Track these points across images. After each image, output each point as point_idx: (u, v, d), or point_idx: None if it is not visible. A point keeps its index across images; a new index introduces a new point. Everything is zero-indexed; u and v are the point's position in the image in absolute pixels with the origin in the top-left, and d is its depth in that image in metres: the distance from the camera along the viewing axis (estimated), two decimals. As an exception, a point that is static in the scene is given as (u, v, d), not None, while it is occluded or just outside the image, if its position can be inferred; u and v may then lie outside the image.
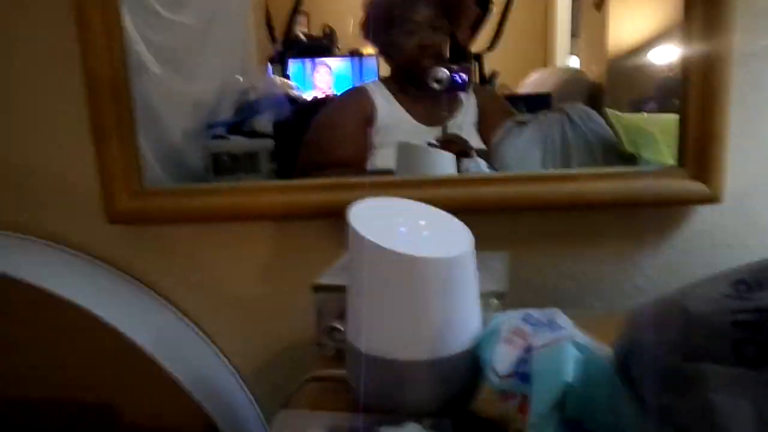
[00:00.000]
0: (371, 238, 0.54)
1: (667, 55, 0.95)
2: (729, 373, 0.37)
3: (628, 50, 1.04)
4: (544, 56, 1.12)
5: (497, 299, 0.67)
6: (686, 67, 0.84)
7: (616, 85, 1.06)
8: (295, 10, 1.14)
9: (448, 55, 1.04)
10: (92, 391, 0.90)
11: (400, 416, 0.56)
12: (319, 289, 0.73)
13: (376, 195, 0.64)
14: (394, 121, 1.03)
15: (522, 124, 1.03)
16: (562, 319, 0.52)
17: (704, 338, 0.38)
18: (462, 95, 1.05)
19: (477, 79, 1.10)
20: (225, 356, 1.01)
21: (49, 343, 0.88)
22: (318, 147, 1.06)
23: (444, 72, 0.98)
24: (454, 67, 0.99)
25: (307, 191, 0.92)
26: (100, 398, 0.90)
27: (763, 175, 0.89)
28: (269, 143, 1.06)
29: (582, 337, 0.48)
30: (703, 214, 0.91)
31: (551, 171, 0.94)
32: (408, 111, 1.04)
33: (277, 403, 1.01)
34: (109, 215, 0.94)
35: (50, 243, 0.97)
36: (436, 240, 0.58)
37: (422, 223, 0.60)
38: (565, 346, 0.46)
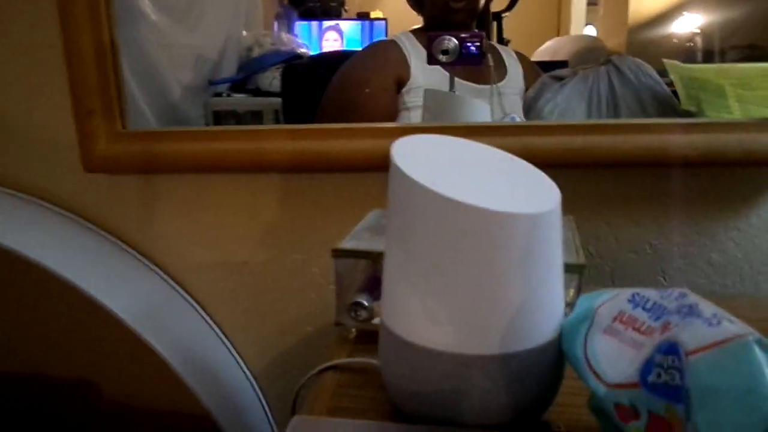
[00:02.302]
0: (428, 185, 0.38)
1: (689, 24, 0.90)
2: None
3: (650, 19, 1.00)
4: (557, 24, 1.07)
5: (575, 274, 0.52)
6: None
7: (637, 55, 0.97)
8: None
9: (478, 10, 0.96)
10: (66, 364, 0.79)
11: (454, 428, 0.42)
12: (340, 254, 0.57)
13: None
14: (431, 79, 0.90)
15: (560, 79, 0.92)
16: (696, 300, 0.36)
17: None
18: (507, 59, 0.96)
19: (494, 42, 1.04)
20: (222, 331, 0.87)
21: (18, 311, 0.77)
22: (339, 107, 0.95)
23: (452, 41, 0.81)
24: (465, 35, 0.81)
25: (323, 137, 0.77)
26: (76, 373, 0.79)
27: None
28: (275, 101, 1.00)
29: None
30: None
31: (621, 120, 0.79)
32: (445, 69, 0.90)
33: (283, 388, 0.89)
34: (85, 162, 0.81)
35: (16, 193, 0.84)
36: (512, 191, 0.42)
37: (490, 168, 0.44)
38: (748, 345, 0.30)
